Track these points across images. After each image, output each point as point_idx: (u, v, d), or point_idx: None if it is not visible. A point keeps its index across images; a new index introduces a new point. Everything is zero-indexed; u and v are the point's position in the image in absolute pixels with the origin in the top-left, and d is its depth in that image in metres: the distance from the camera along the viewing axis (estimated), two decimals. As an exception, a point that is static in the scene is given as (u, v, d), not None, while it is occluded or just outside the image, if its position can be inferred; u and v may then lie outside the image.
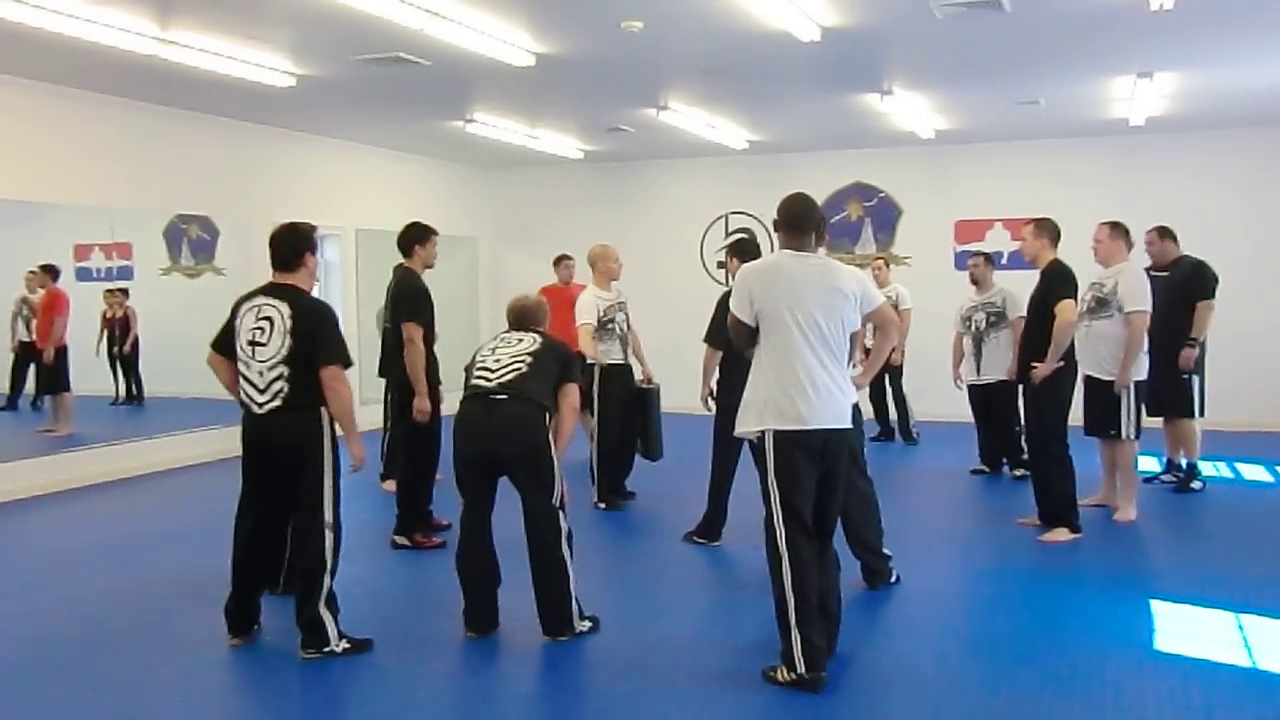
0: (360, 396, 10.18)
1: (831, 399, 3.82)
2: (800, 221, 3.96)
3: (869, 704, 3.76)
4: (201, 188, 8.99)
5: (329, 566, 4.15)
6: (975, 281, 7.92)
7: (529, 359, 4.37)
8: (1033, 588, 5.10)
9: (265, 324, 4.15)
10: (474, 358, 4.50)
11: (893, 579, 5.04)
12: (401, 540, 5.91)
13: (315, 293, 4.44)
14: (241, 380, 4.21)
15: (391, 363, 6.15)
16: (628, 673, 4.03)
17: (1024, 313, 6.59)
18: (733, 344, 5.00)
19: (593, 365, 6.68)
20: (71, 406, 8.42)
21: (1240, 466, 8.08)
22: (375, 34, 6.27)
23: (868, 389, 8.05)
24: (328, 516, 4.16)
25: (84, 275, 8.76)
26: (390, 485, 6.98)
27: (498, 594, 4.44)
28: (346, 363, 4.20)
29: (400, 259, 6.03)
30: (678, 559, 5.73)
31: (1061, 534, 5.87)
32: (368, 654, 4.22)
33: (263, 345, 4.14)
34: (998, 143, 10.86)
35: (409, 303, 5.83)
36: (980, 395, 7.79)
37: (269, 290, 4.24)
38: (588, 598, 4.47)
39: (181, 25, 6.16)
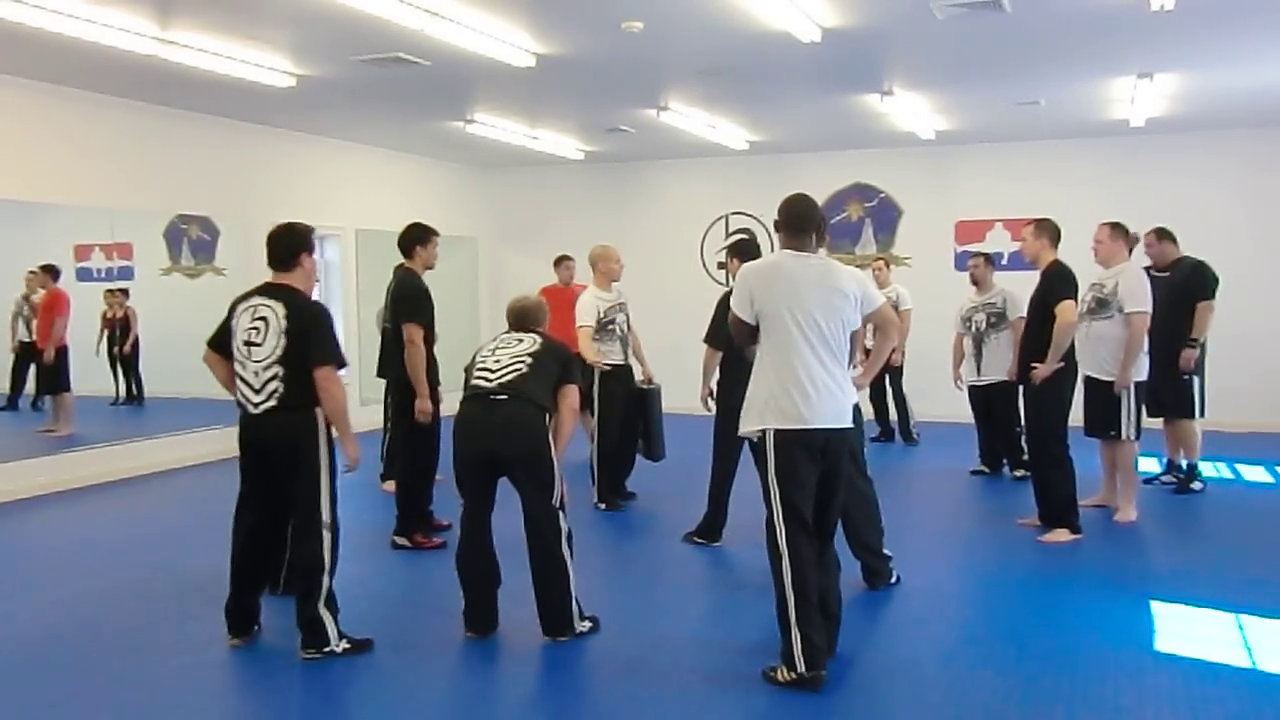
0: (360, 397, 10.22)
1: (832, 398, 3.83)
2: (801, 222, 3.97)
3: (869, 704, 3.76)
4: (202, 188, 8.99)
5: (328, 566, 4.15)
6: (975, 282, 7.92)
7: (529, 360, 4.37)
8: (1033, 588, 5.10)
9: (260, 324, 4.15)
10: (474, 358, 4.50)
11: (893, 579, 5.04)
12: (401, 541, 5.91)
13: (316, 293, 4.43)
14: (238, 380, 4.21)
15: (391, 363, 6.14)
16: (628, 673, 4.03)
17: (1024, 313, 6.60)
18: (733, 344, 5.00)
19: (593, 366, 6.67)
20: (72, 407, 8.42)
21: (1240, 467, 8.08)
22: (375, 34, 6.27)
23: (868, 389, 8.06)
24: (325, 517, 4.16)
25: (84, 275, 8.76)
26: (390, 486, 6.98)
27: (497, 595, 4.44)
28: (340, 363, 4.20)
29: (401, 259, 6.03)
30: (678, 559, 5.73)
31: (1062, 535, 5.87)
32: (368, 654, 4.22)
33: (258, 345, 4.14)
34: (998, 143, 10.86)
35: (409, 303, 5.83)
36: (980, 396, 7.79)
37: (265, 290, 4.25)
38: (588, 598, 4.47)
39: (181, 25, 6.16)
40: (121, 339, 9.07)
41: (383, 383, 6.79)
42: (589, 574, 4.69)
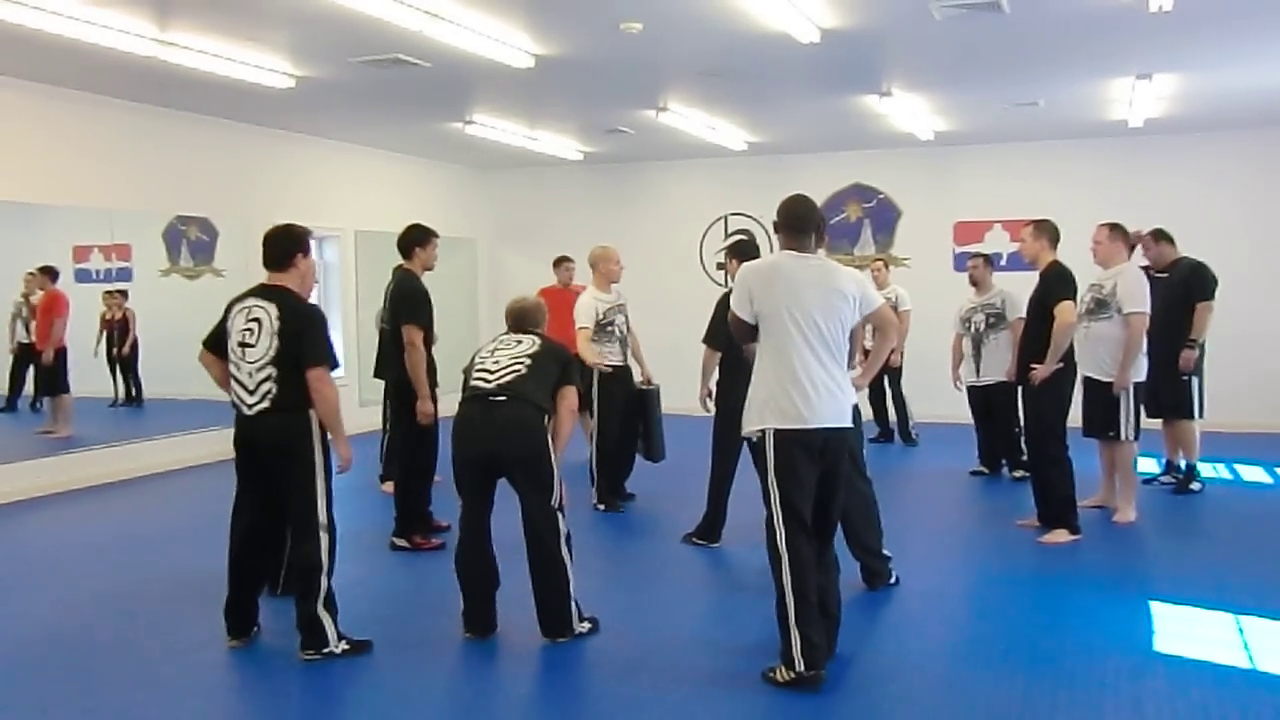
0: (359, 398, 10.21)
1: (832, 398, 3.83)
2: (800, 223, 3.98)
3: (869, 704, 3.76)
4: (201, 189, 8.99)
5: (325, 567, 4.15)
6: (974, 283, 7.92)
7: (528, 361, 4.37)
8: (1032, 589, 5.10)
9: (254, 325, 4.16)
10: (473, 360, 4.50)
11: (892, 580, 5.04)
12: (400, 542, 5.91)
13: (315, 294, 4.43)
14: (232, 382, 4.22)
15: (388, 364, 6.14)
16: (627, 674, 4.03)
17: (1023, 314, 6.60)
18: (732, 345, 5.01)
19: (592, 367, 6.67)
20: (71, 408, 8.42)
21: (1239, 468, 8.08)
22: (374, 35, 6.27)
23: (867, 390, 8.04)
24: (322, 518, 4.15)
25: (83, 277, 8.76)
26: (389, 487, 6.98)
27: (496, 596, 4.44)
28: (333, 365, 4.19)
29: (400, 260, 6.03)
30: (677, 560, 5.73)
31: (1061, 535, 5.87)
32: (367, 655, 4.21)
33: (252, 346, 4.14)
34: (997, 144, 10.87)
35: (409, 305, 5.82)
36: (980, 396, 7.79)
37: (259, 292, 4.25)
38: (587, 599, 4.46)
39: (181, 27, 6.16)
40: (120, 340, 9.06)
41: (382, 384, 6.79)
42: (588, 575, 4.69)
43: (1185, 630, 4.45)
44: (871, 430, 9.27)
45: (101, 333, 9.01)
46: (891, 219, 11.47)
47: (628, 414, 6.90)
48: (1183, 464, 7.17)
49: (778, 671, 3.81)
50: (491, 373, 4.34)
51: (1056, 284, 5.86)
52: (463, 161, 12.15)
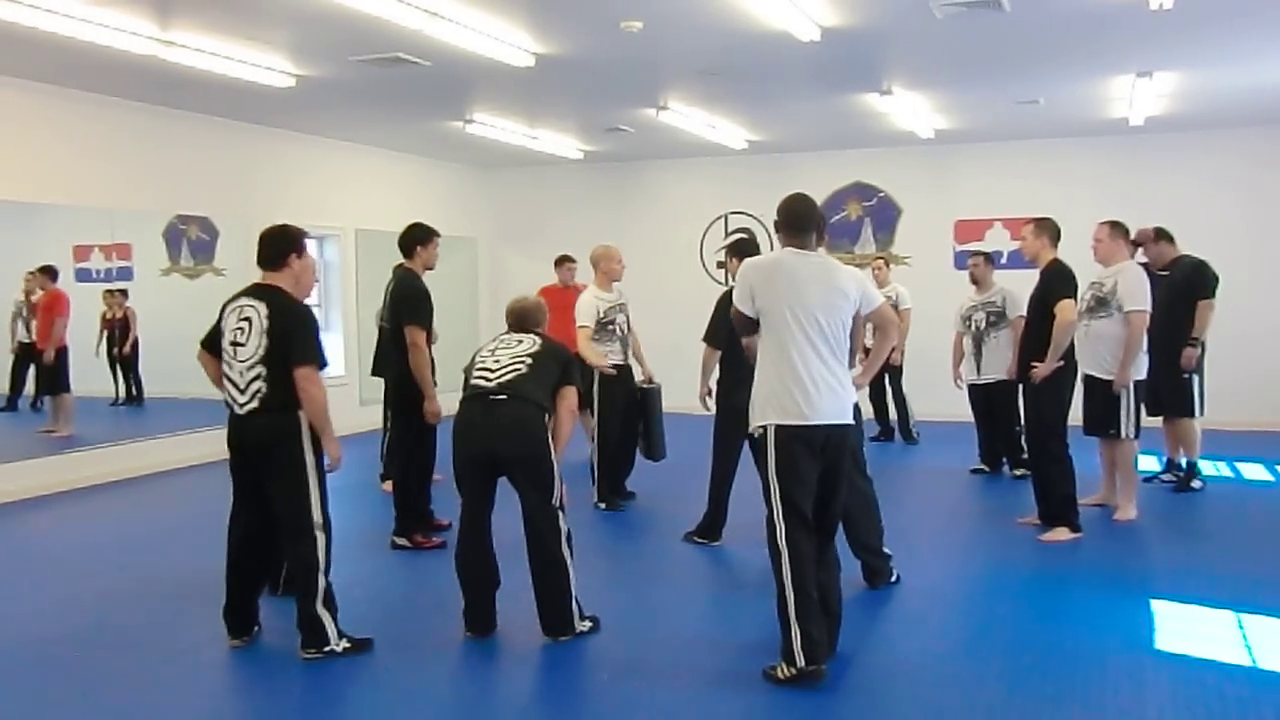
0: (360, 397, 10.22)
1: (833, 395, 3.84)
2: (801, 221, 3.99)
3: (869, 703, 3.76)
4: (201, 188, 8.98)
5: (322, 566, 4.14)
6: (975, 281, 7.92)
7: (529, 360, 4.37)
8: (1033, 587, 5.11)
9: (245, 324, 4.17)
10: (473, 359, 4.50)
11: (893, 578, 5.04)
12: (401, 541, 5.91)
13: (315, 293, 4.43)
14: (225, 381, 4.23)
15: (388, 362, 6.14)
16: (628, 673, 4.03)
17: (1024, 312, 6.60)
18: (732, 344, 5.01)
19: (593, 366, 6.67)
20: (71, 407, 8.42)
21: (1240, 466, 8.08)
22: (375, 34, 6.27)
23: (867, 389, 8.04)
24: (316, 517, 4.14)
25: (84, 276, 8.76)
26: (389, 486, 6.97)
27: (496, 595, 4.43)
28: (321, 364, 4.19)
29: (400, 259, 6.02)
30: (678, 559, 5.73)
31: (1062, 533, 5.87)
32: (368, 654, 4.21)
33: (242, 345, 4.15)
34: (997, 142, 10.86)
35: (410, 305, 5.81)
36: (980, 395, 7.79)
37: (251, 291, 4.26)
38: (588, 598, 4.46)
39: (181, 26, 6.16)
40: (121, 340, 9.06)
41: (381, 382, 6.78)
42: (589, 574, 4.69)
43: (1186, 628, 4.45)
44: (872, 428, 9.27)
45: (102, 332, 9.01)
46: (892, 217, 11.47)
47: (628, 413, 6.90)
48: (1183, 462, 7.17)
49: (779, 669, 3.81)
50: (492, 371, 4.34)
51: (1057, 282, 5.85)
52: (463, 160, 12.15)
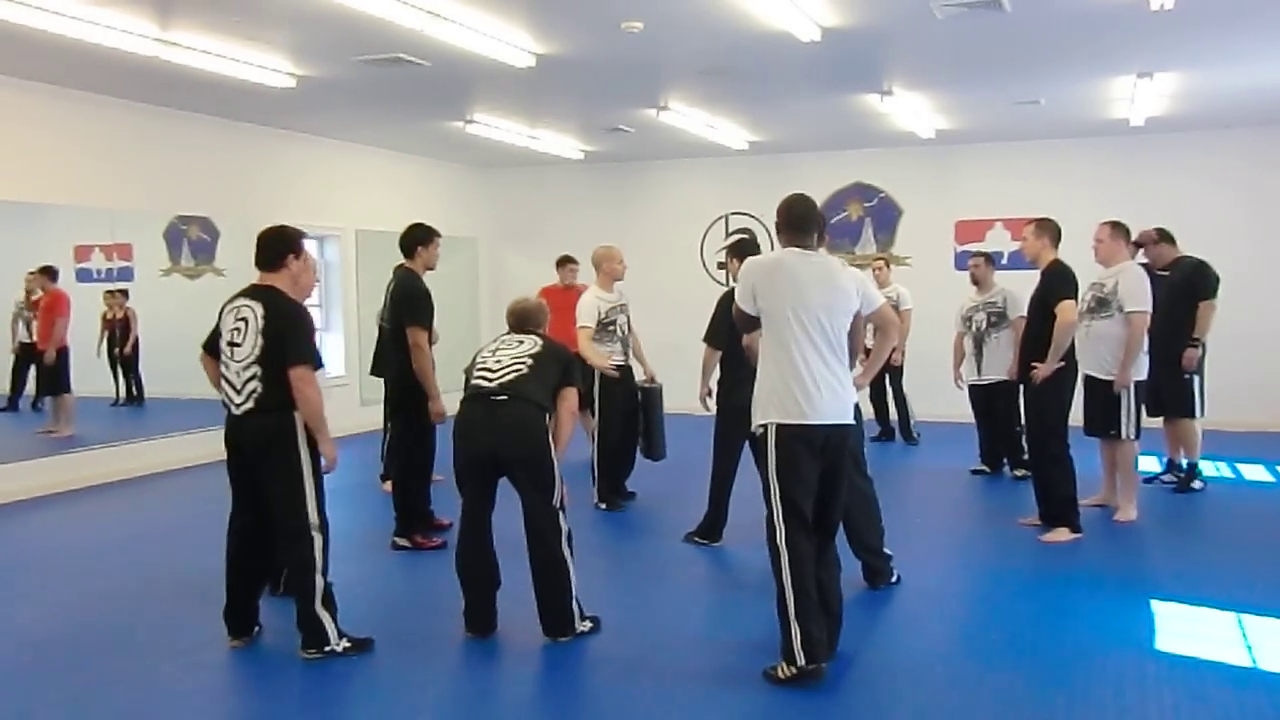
0: (361, 397, 10.22)
1: (834, 395, 3.85)
2: (802, 222, 4.00)
3: (870, 702, 3.76)
4: (202, 189, 8.98)
5: (319, 566, 4.14)
6: (976, 281, 7.92)
7: (530, 361, 4.37)
8: (1033, 587, 5.10)
9: (242, 325, 4.17)
10: (474, 359, 4.50)
11: (893, 579, 5.04)
12: (402, 541, 5.91)
13: (315, 293, 4.44)
14: (222, 382, 4.24)
15: (387, 362, 6.13)
16: (628, 673, 4.03)
17: (1024, 313, 6.60)
18: (733, 344, 5.01)
19: (593, 366, 6.67)
20: (72, 408, 8.42)
21: (1241, 466, 8.07)
22: (375, 35, 6.27)
23: (868, 389, 8.06)
24: (313, 518, 4.14)
25: (84, 276, 8.76)
26: (390, 486, 6.97)
27: (497, 595, 4.43)
28: (315, 364, 4.19)
29: (401, 259, 6.02)
30: (678, 559, 5.73)
31: (1062, 534, 5.87)
32: (368, 654, 4.21)
33: (239, 346, 4.15)
34: (998, 143, 10.86)
35: (412, 305, 5.80)
36: (981, 395, 7.79)
37: (249, 292, 4.27)
38: (588, 598, 4.46)
39: (181, 26, 6.16)
40: (122, 340, 9.06)
41: (381, 381, 6.78)
42: (589, 574, 4.69)
43: (1187, 629, 4.46)
44: (873, 429, 9.27)
45: (103, 332, 9.01)
46: (893, 218, 11.47)
47: (629, 413, 6.90)
48: (1184, 463, 7.16)
49: (779, 668, 3.81)
50: (493, 372, 4.34)
51: (1058, 283, 5.85)
52: (464, 161, 12.15)
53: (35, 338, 8.21)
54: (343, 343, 10.64)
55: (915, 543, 5.72)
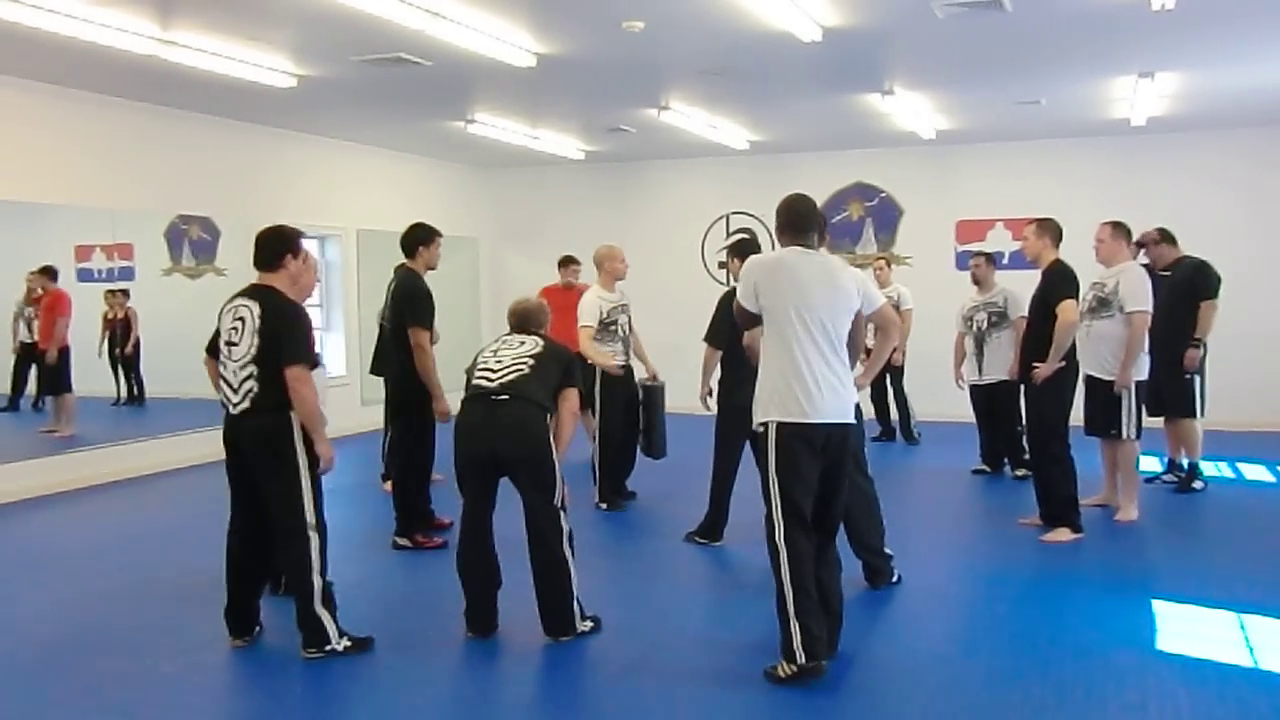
0: (361, 397, 10.22)
1: (835, 394, 3.85)
2: (802, 221, 4.01)
3: (870, 702, 3.76)
4: (202, 188, 8.98)
5: (317, 566, 4.13)
6: (977, 281, 7.92)
7: (531, 361, 4.38)
8: (1034, 587, 5.10)
9: (239, 324, 4.18)
10: (475, 359, 4.50)
11: (894, 578, 5.04)
12: (402, 541, 5.91)
13: (317, 293, 4.44)
14: (221, 381, 4.24)
15: (387, 361, 6.13)
16: (629, 673, 4.03)
17: (1025, 313, 6.60)
18: (733, 344, 5.01)
19: (594, 366, 6.67)
20: (73, 407, 8.42)
21: (1242, 466, 8.07)
22: (376, 35, 6.27)
23: (869, 389, 8.05)
24: (309, 518, 4.13)
25: (85, 276, 8.76)
26: (390, 486, 6.97)
27: (498, 594, 4.43)
28: (311, 364, 4.19)
29: (402, 259, 6.02)
30: (679, 559, 5.73)
31: (1063, 534, 5.86)
32: (369, 653, 4.21)
33: (235, 345, 4.16)
34: (999, 143, 10.85)
35: (413, 306, 5.80)
36: (982, 395, 7.79)
37: (247, 291, 4.27)
38: (589, 598, 4.46)
39: (182, 26, 6.16)
40: (123, 340, 9.06)
41: (382, 382, 6.77)
42: (590, 574, 4.69)
43: (1188, 629, 4.45)
44: (873, 429, 9.26)
45: (104, 332, 9.01)
46: (893, 218, 11.46)
47: (629, 413, 6.90)
48: (1185, 463, 7.16)
49: (779, 667, 3.81)
50: (494, 372, 4.34)
51: (1059, 283, 5.85)
52: (464, 160, 12.15)
53: (36, 337, 8.22)
54: (343, 342, 10.64)
55: (916, 543, 5.72)
